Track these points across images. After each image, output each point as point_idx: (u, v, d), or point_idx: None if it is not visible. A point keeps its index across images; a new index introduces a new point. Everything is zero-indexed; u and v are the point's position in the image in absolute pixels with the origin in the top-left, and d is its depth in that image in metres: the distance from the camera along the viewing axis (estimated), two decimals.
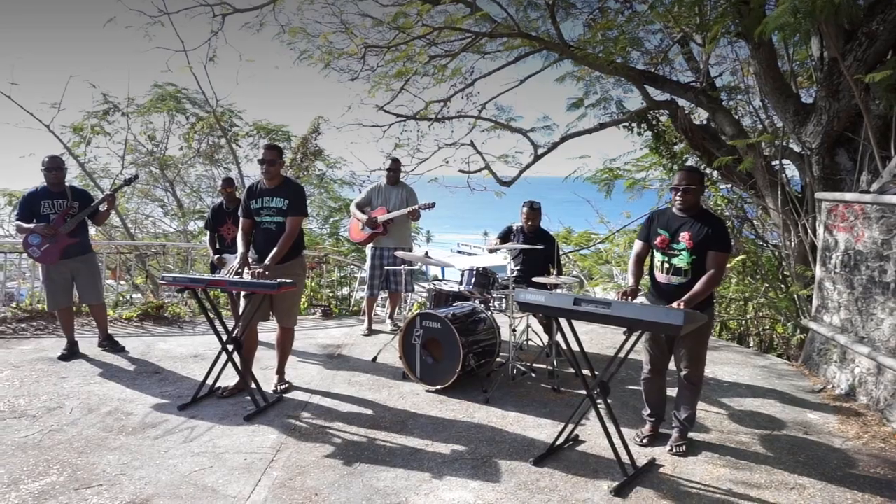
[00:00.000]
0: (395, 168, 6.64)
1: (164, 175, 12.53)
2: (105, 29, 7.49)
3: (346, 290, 9.54)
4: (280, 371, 4.91)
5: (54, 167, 5.48)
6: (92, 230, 6.32)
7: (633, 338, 3.36)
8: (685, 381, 3.81)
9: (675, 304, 3.42)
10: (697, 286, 3.54)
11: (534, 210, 5.71)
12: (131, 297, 9.65)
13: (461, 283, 5.32)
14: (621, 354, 3.40)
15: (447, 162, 8.81)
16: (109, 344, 5.86)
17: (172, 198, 12.80)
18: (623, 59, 7.59)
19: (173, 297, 8.34)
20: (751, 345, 7.44)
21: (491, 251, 5.66)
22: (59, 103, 11.06)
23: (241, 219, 4.74)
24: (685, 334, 3.28)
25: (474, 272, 5.22)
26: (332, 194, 13.19)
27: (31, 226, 5.34)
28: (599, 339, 6.52)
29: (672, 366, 3.91)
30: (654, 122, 8.49)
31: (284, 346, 4.88)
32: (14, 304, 7.47)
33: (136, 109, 12.35)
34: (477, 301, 5.30)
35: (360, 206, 6.57)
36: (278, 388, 4.80)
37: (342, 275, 9.29)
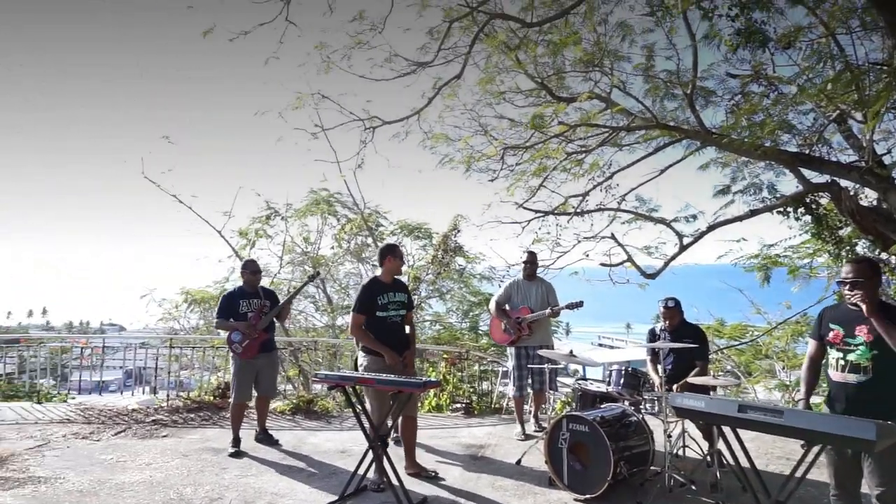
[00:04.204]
0: (531, 261, 6.63)
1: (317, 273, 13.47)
2: (273, 146, 8.43)
3: (485, 385, 9.44)
4: (410, 457, 5.03)
5: (258, 270, 6.22)
6: None
7: (814, 452, 2.98)
8: None
9: None
10: None
11: (668, 309, 5.40)
12: (284, 390, 10.22)
13: (609, 384, 5.08)
14: (800, 471, 3.01)
15: (587, 255, 8.65)
16: (265, 437, 6.18)
17: (323, 294, 13.64)
18: (772, 143, 7.22)
19: (322, 390, 8.68)
20: None
21: (654, 365, 5.38)
22: (230, 211, 12.42)
23: (353, 314, 4.89)
24: None
25: (622, 372, 4.98)
26: (471, 289, 13.42)
27: (235, 323, 5.88)
28: (768, 447, 5.85)
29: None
30: (813, 206, 7.87)
31: (410, 435, 5.02)
32: (186, 394, 8.16)
33: (293, 214, 13.56)
34: (626, 403, 5.01)
35: (500, 304, 6.56)
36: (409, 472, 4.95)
37: (483, 369, 9.25)
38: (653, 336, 5.54)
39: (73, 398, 9.65)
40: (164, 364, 9.25)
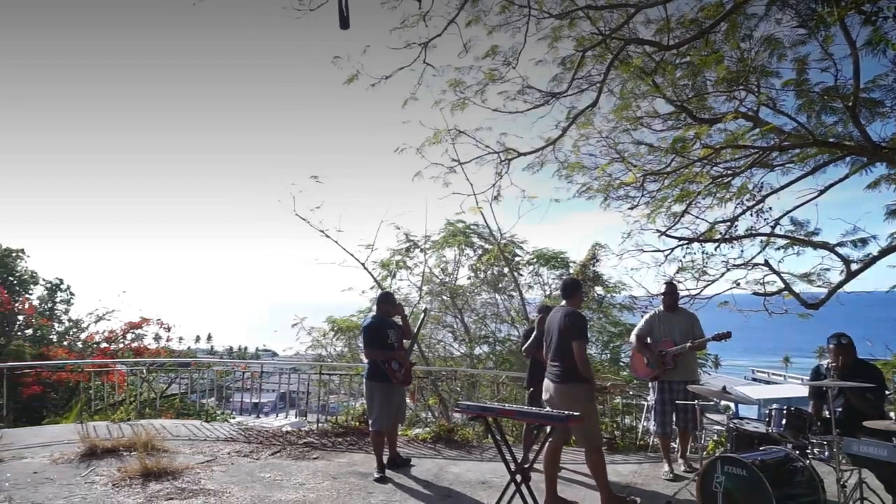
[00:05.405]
0: (670, 292, 6.34)
1: (454, 303, 13.73)
2: (412, 182, 8.78)
3: (628, 420, 9.06)
4: (551, 490, 4.98)
5: (395, 303, 6.50)
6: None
7: None
8: None
9: None
10: None
11: (842, 346, 4.88)
12: (426, 417, 10.47)
13: (769, 424, 4.68)
14: None
15: (738, 284, 8.07)
16: (400, 460, 6.46)
17: (460, 324, 13.86)
18: None
19: (462, 419, 8.77)
20: None
21: (817, 407, 4.93)
22: (373, 244, 13.02)
23: (583, 343, 5.00)
24: None
25: (784, 412, 4.57)
26: (611, 319, 13.03)
27: (394, 353, 6.23)
28: None
29: None
30: None
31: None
32: (334, 418, 8.59)
33: (431, 245, 13.99)
34: (790, 446, 4.59)
35: (641, 337, 6.32)
36: None
37: (625, 402, 8.90)
38: (817, 374, 5.05)
39: (234, 418, 10.54)
40: (312, 389, 9.81)
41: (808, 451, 4.54)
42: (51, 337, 16.78)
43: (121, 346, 16.15)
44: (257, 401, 11.18)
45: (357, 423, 8.22)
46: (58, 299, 18.57)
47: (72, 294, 18.84)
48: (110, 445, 6.70)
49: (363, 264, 12.94)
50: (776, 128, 7.16)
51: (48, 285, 18.47)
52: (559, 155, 8.45)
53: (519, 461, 4.54)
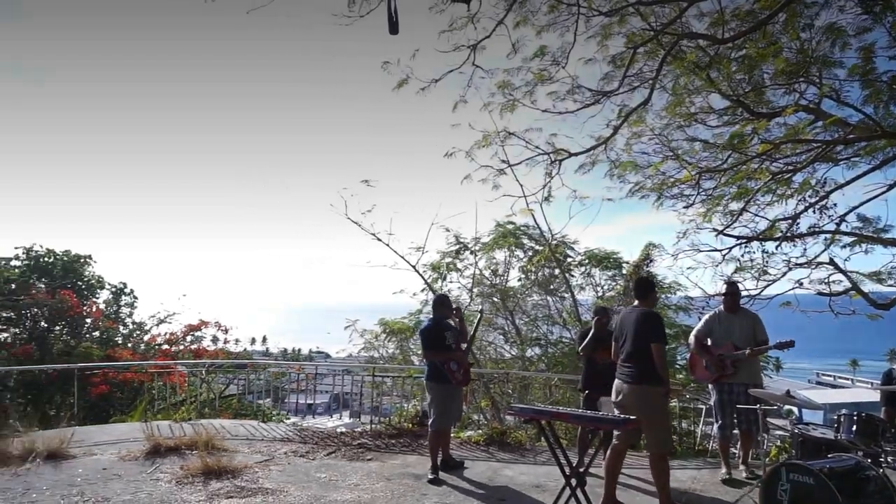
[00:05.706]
0: (732, 293, 6.14)
1: (505, 305, 13.65)
2: (460, 185, 8.76)
3: (685, 424, 8.83)
4: (609, 494, 4.87)
5: (451, 305, 6.62)
6: None
7: None
8: None
9: None
10: None
11: None
12: (478, 420, 10.45)
13: (838, 430, 4.48)
14: None
15: (800, 284, 7.76)
16: (453, 462, 6.45)
17: (511, 326, 13.77)
18: None
19: (514, 422, 8.71)
20: None
21: (890, 412, 4.69)
22: (423, 247, 13.07)
23: (662, 346, 4.92)
24: None
25: (854, 418, 4.37)
26: (666, 320, 12.65)
27: (452, 354, 6.28)
28: None
29: None
30: None
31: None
32: (387, 420, 8.66)
33: (481, 247, 13.94)
34: (860, 454, 4.38)
35: (699, 339, 6.14)
36: None
37: (682, 406, 8.68)
38: (890, 379, 4.81)
39: (289, 419, 10.74)
40: (365, 391, 9.92)
41: (882, 459, 4.33)
42: (116, 339, 17.47)
43: (181, 347, 16.68)
44: (311, 402, 11.37)
45: (410, 425, 8.25)
46: (122, 302, 19.30)
47: (135, 298, 19.57)
48: (173, 444, 6.93)
49: (414, 267, 13.01)
50: (840, 120, 6.87)
51: (113, 289, 19.22)
52: (611, 154, 8.33)
53: (574, 465, 4.49)
